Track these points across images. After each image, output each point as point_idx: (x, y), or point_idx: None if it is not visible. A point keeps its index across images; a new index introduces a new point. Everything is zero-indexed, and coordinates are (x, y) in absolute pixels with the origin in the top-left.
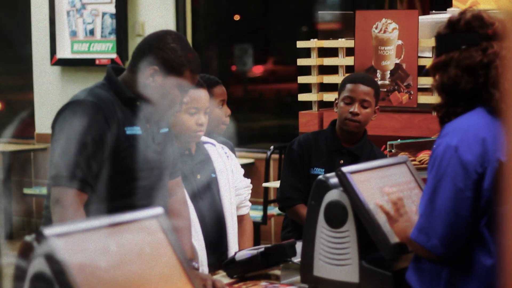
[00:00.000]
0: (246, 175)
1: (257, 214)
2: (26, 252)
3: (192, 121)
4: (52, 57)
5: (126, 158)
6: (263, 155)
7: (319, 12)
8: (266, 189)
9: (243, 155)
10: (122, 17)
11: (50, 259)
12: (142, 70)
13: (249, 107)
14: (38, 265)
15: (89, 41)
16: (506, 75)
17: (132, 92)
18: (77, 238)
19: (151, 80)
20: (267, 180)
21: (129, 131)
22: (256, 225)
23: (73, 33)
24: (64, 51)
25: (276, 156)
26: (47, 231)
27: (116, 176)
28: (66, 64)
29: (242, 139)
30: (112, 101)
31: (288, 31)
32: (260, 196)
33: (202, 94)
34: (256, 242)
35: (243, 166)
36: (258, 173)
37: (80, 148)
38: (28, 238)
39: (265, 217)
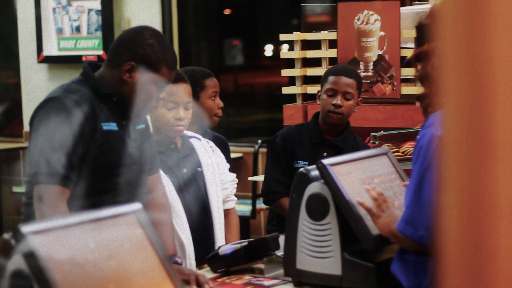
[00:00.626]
0: (235, 169)
1: (246, 208)
2: (4, 250)
3: (170, 116)
4: (38, 55)
5: (103, 153)
6: (252, 149)
7: (302, 4)
8: (255, 183)
9: (231, 149)
10: (108, 13)
11: (28, 256)
12: (119, 65)
13: (239, 101)
14: (16, 263)
15: (76, 38)
16: (439, 69)
17: (109, 88)
18: (55, 235)
19: (127, 76)
20: (255, 174)
21: (105, 126)
22: (245, 219)
23: (59, 30)
24: (51, 49)
25: (264, 150)
26: (25, 228)
27: (94, 172)
28: (53, 61)
29: (232, 133)
30: (89, 96)
31: (278, 24)
32: (249, 190)
33: (181, 88)
34: (245, 236)
35: (232, 160)
36: (247, 167)
37: (59, 144)
38: (6, 236)
39: (254, 211)
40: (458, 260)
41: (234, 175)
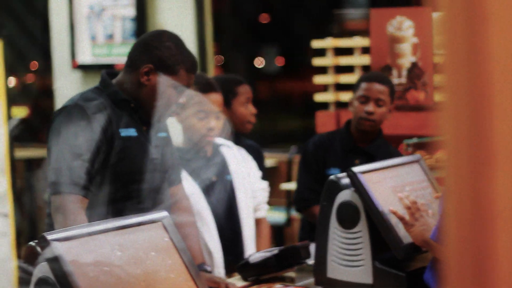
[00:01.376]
0: (269, 177)
1: (280, 216)
2: (29, 257)
3: (201, 126)
4: (72, 62)
5: (122, 160)
6: (286, 156)
7: (335, 10)
8: (289, 191)
9: (265, 155)
10: (142, 21)
11: (53, 263)
12: (137, 69)
13: (275, 108)
14: (42, 270)
15: (109, 45)
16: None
17: (127, 94)
18: (80, 242)
19: (145, 79)
20: (289, 181)
21: (124, 132)
22: (280, 228)
23: (93, 37)
24: (85, 56)
25: (298, 157)
26: (50, 236)
27: (115, 179)
28: (87, 68)
29: (267, 140)
30: (104, 103)
31: (316, 31)
32: (283, 198)
33: (211, 98)
34: (280, 245)
35: (267, 167)
36: (282, 174)
37: (75, 153)
38: (32, 243)
39: (289, 219)
40: (459, 264)
41: (266, 183)
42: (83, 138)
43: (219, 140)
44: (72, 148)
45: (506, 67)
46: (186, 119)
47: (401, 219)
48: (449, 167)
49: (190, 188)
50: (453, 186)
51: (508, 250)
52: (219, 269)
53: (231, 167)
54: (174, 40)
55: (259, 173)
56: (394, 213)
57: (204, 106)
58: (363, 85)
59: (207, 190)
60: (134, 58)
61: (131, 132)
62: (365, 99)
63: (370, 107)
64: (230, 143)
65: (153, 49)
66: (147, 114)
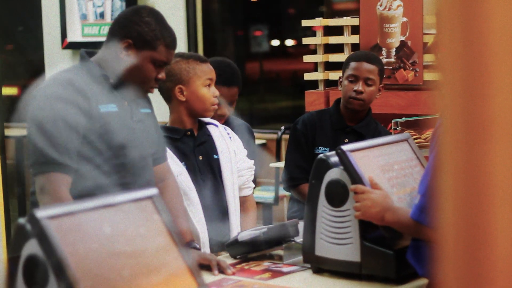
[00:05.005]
0: (258, 156)
1: (269, 195)
2: (19, 235)
3: (210, 94)
4: (63, 41)
5: (103, 135)
6: (275, 136)
7: None
8: (277, 170)
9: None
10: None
11: (42, 241)
12: (116, 44)
13: (265, 88)
14: (31, 247)
15: (100, 24)
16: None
17: (106, 70)
18: (70, 219)
19: (124, 54)
20: (278, 160)
21: (103, 108)
22: (268, 206)
23: (84, 16)
24: (75, 35)
25: (287, 136)
26: (39, 213)
27: (97, 154)
28: (77, 47)
29: (256, 120)
30: (80, 82)
31: (304, 11)
32: (272, 177)
33: (211, 67)
34: (268, 223)
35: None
36: (271, 153)
37: (53, 132)
38: (21, 220)
39: (277, 197)
40: (454, 246)
41: (252, 161)
42: (61, 117)
43: (206, 119)
44: (51, 128)
45: (504, 45)
46: (196, 89)
47: (354, 207)
48: (445, 145)
49: (177, 168)
50: (449, 164)
51: (505, 230)
52: (205, 249)
53: (217, 146)
54: (154, 15)
55: (245, 152)
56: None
57: (208, 74)
58: (352, 64)
59: (193, 169)
60: (113, 33)
61: (111, 107)
62: (354, 78)
63: (359, 86)
64: (216, 122)
65: (133, 24)
66: (126, 89)
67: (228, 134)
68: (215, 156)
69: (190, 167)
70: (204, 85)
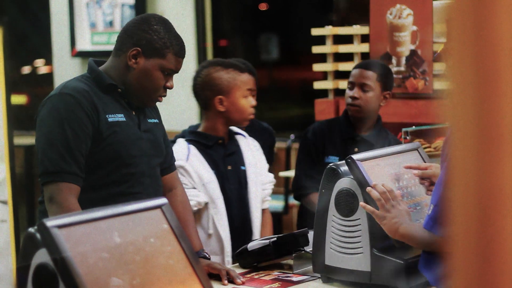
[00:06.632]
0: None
1: (279, 204)
2: (29, 244)
3: (249, 104)
4: (72, 49)
5: (111, 144)
6: (284, 145)
7: None
8: (287, 179)
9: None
10: (141, 8)
11: (52, 250)
12: (125, 52)
13: (274, 97)
14: (40, 256)
15: (109, 32)
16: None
17: (114, 79)
18: (80, 228)
19: (133, 62)
20: (288, 169)
21: (111, 118)
22: (278, 215)
23: (93, 25)
24: (84, 43)
25: (297, 145)
26: (49, 222)
27: (105, 164)
28: (86, 56)
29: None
30: (88, 91)
31: (313, 19)
32: (281, 186)
33: (250, 77)
34: (278, 232)
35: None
36: (280, 162)
37: (61, 141)
38: (31, 229)
39: (287, 206)
40: (466, 256)
41: (272, 175)
42: (67, 125)
43: (234, 128)
44: (60, 137)
45: None
46: (235, 101)
47: (372, 212)
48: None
49: (207, 175)
50: (460, 174)
51: None
52: (227, 258)
53: (245, 157)
54: (163, 23)
55: (267, 166)
56: (364, 207)
57: (247, 85)
58: (352, 72)
59: (222, 178)
60: (122, 41)
61: (119, 117)
62: (351, 85)
63: (354, 92)
64: (244, 133)
65: (141, 32)
66: (135, 99)
67: (255, 146)
68: (242, 168)
69: (219, 176)
70: (243, 96)
